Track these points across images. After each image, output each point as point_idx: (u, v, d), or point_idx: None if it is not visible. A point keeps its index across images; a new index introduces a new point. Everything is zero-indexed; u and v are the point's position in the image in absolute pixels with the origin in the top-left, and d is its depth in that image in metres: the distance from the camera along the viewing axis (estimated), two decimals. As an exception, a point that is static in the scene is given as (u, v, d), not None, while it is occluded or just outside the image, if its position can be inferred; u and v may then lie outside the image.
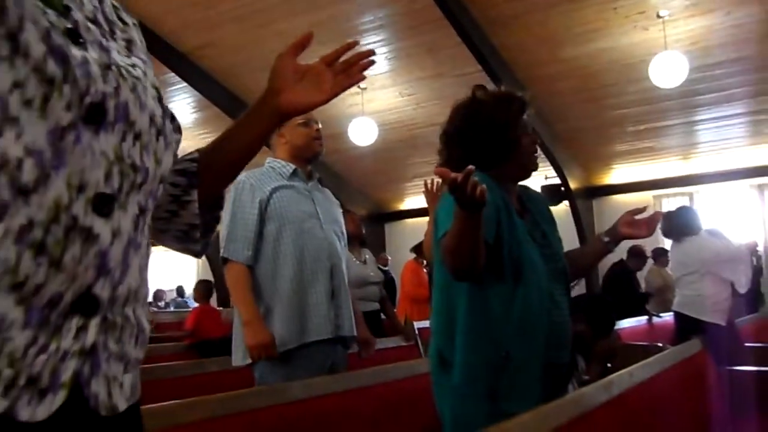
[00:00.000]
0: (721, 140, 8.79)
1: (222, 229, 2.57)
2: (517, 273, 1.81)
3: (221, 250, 2.56)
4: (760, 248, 8.58)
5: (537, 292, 1.83)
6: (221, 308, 7.97)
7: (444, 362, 1.88)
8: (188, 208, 1.06)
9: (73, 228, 0.74)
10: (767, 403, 3.46)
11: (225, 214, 2.56)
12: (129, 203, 0.83)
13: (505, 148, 1.91)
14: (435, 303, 1.95)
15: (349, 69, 1.14)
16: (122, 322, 0.83)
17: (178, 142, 1.01)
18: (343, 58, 1.14)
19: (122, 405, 0.83)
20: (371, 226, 11.28)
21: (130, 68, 0.85)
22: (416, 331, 4.52)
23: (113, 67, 0.81)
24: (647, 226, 2.09)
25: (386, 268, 8.26)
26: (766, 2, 6.61)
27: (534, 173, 2.01)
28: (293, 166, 2.68)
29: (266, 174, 2.65)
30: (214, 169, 1.10)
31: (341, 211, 2.87)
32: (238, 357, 2.54)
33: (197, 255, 1.14)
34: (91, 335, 0.77)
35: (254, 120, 1.13)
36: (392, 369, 2.65)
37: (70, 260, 0.74)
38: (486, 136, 1.90)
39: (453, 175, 1.44)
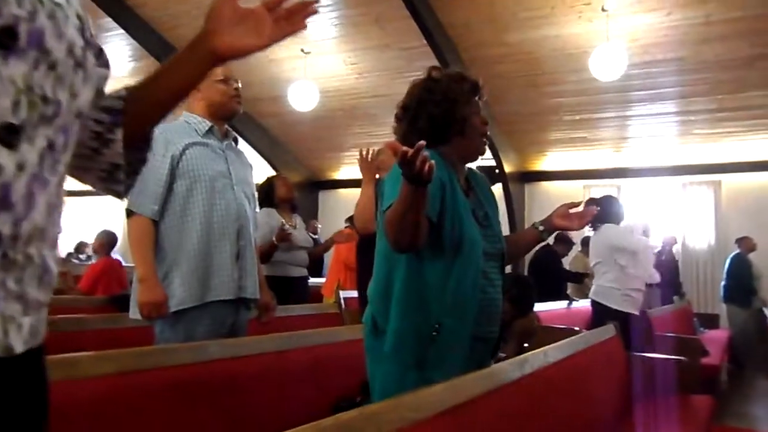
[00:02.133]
0: (652, 137, 9.05)
1: None
2: (456, 249, 1.87)
3: (126, 202, 2.47)
4: (678, 245, 8.92)
5: (473, 269, 1.89)
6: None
7: (377, 329, 1.93)
8: (112, 147, 1.02)
9: None
10: (682, 388, 3.65)
11: None
12: (37, 137, 0.79)
13: (454, 125, 1.97)
14: (375, 271, 2.00)
15: (292, 16, 1.09)
16: (24, 262, 0.79)
17: (104, 77, 0.97)
18: (285, 5, 1.09)
19: (19, 347, 0.79)
20: (305, 193, 11.20)
21: None
22: (341, 300, 4.53)
23: None
24: (579, 220, 2.19)
25: (316, 236, 8.21)
26: (705, 7, 6.80)
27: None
28: (209, 123, 2.60)
29: (181, 128, 2.57)
30: (142, 108, 1.06)
31: (253, 172, 2.81)
32: (135, 310, 2.47)
33: (120, 196, 1.11)
34: None
35: (187, 61, 1.07)
36: (311, 335, 2.65)
37: None
38: (436, 112, 1.96)
39: (404, 148, 1.47)
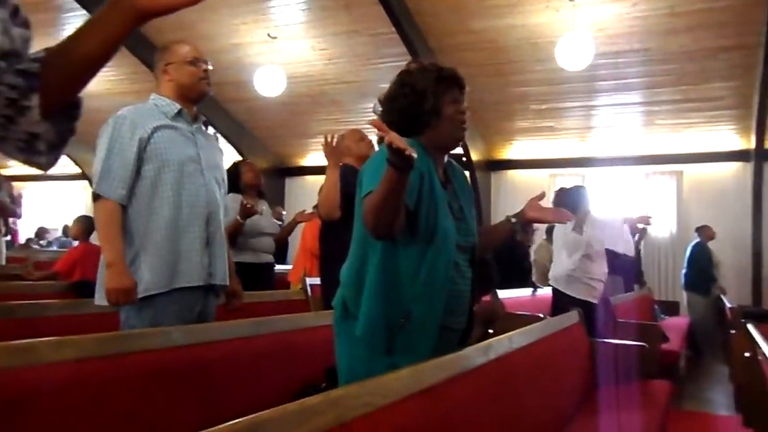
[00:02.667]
0: (616, 127, 9.16)
1: (96, 163, 2.44)
2: (429, 238, 1.90)
3: (93, 186, 2.42)
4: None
5: (444, 259, 1.92)
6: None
7: (347, 313, 1.96)
8: (27, 115, 0.94)
9: None
10: (642, 373, 3.73)
11: (101, 149, 2.43)
12: None
13: (427, 115, 1.99)
14: (350, 255, 2.02)
15: None
16: None
17: (25, 38, 0.90)
18: None
19: None
20: (271, 179, 11.11)
21: None
22: (308, 287, 4.52)
23: None
24: (552, 213, 2.27)
25: (280, 222, 8.16)
26: (670, -2, 6.90)
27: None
28: (178, 106, 2.55)
29: (149, 111, 2.52)
30: (64, 71, 0.97)
31: (223, 157, 2.77)
32: (101, 296, 2.42)
33: (43, 168, 1.03)
34: None
35: (107, 18, 0.96)
36: (277, 321, 2.64)
37: None
38: (404, 104, 2.00)
39: (392, 134, 1.53)
